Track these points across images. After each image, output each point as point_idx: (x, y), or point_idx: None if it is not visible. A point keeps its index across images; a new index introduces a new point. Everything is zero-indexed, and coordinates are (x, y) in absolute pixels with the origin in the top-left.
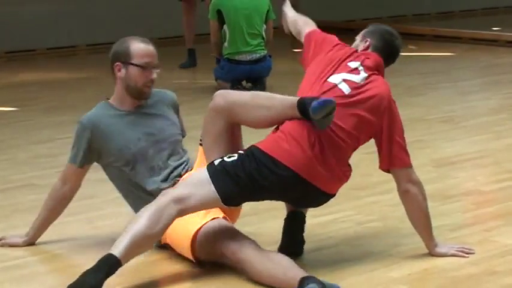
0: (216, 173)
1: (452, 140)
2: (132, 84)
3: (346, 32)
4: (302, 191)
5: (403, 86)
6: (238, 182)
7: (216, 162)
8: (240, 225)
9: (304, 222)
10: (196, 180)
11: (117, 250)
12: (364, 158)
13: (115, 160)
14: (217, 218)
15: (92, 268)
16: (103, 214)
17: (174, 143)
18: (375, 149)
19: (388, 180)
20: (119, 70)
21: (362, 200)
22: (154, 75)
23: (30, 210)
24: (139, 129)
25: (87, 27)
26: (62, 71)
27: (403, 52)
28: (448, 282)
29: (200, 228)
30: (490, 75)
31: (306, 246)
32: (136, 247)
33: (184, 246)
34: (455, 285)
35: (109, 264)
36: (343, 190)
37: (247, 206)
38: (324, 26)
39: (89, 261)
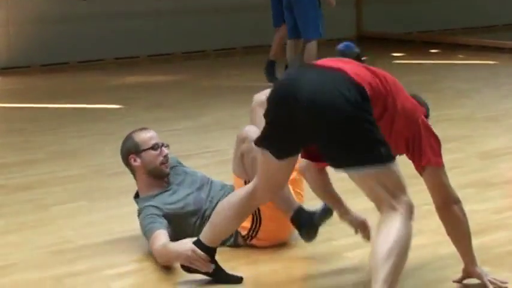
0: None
1: (496, 136)
2: (152, 166)
3: (404, 43)
4: None
5: (453, 90)
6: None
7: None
8: None
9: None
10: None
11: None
12: None
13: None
14: None
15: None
16: None
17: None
18: None
19: None
20: (135, 160)
21: None
22: (166, 151)
23: (128, 192)
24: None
25: (182, 37)
26: (161, 74)
27: (452, 60)
28: None
29: None
30: None
31: None
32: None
33: None
34: None
35: None
36: None
37: None
38: (383, 38)
39: None
